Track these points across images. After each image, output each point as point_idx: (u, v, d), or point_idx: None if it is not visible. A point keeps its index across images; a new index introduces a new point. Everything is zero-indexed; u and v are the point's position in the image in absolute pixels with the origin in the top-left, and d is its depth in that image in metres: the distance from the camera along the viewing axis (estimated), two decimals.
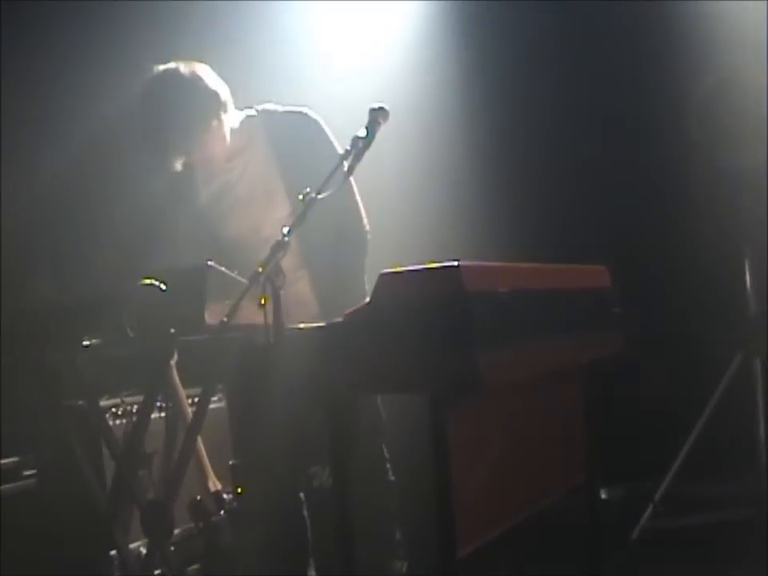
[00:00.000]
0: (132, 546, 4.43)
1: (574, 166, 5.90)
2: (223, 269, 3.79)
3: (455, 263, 2.98)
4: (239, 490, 4.14)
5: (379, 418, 4.26)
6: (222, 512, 4.27)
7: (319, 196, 3.44)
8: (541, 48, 5.93)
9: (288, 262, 3.93)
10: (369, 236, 4.26)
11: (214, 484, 4.39)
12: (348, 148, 3.59)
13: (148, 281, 3.71)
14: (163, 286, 3.69)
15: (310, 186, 3.46)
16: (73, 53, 5.39)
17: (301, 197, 3.44)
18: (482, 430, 3.31)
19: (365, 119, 3.65)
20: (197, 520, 4.23)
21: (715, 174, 5.26)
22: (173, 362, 4.15)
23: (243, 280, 3.49)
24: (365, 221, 4.25)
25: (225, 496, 4.33)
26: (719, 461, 5.40)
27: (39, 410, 4.42)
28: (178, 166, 4.10)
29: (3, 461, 4.58)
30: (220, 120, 4.10)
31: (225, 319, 3.32)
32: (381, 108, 3.66)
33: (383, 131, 3.66)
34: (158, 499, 4.12)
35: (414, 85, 5.84)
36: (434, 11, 6.08)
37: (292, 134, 4.16)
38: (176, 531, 4.22)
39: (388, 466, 4.34)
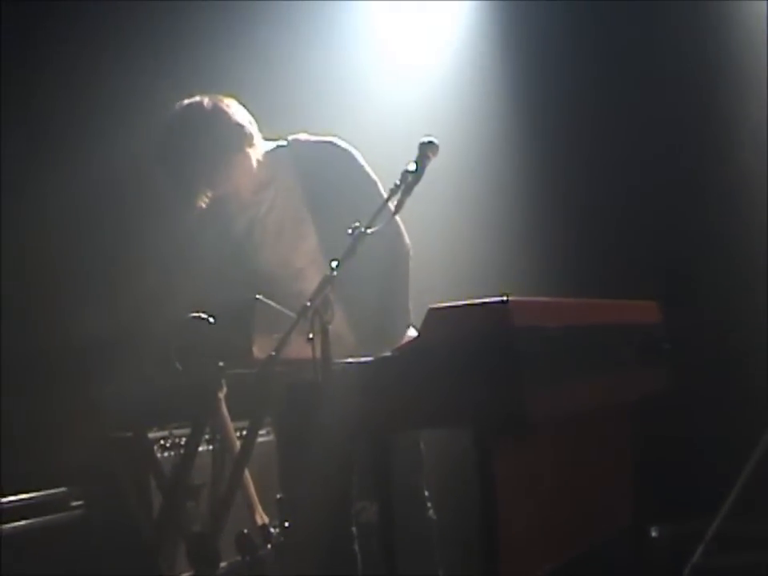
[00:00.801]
0: None
1: (625, 199, 5.87)
2: (272, 303, 3.79)
3: (504, 298, 2.98)
4: (286, 524, 4.13)
5: (419, 454, 4.22)
6: (268, 546, 4.27)
7: (368, 230, 3.43)
8: (586, 67, 5.93)
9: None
10: (410, 257, 4.22)
11: (261, 517, 4.38)
12: (397, 182, 3.59)
13: (196, 314, 3.72)
14: (212, 320, 3.71)
15: (347, 217, 3.47)
16: (102, 81, 5.43)
17: (350, 231, 3.43)
18: (528, 467, 3.29)
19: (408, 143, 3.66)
20: (243, 553, 4.22)
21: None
22: (221, 395, 4.16)
23: (291, 314, 3.48)
24: (407, 242, 4.21)
25: (271, 530, 4.32)
26: None
27: (88, 441, 4.43)
28: (203, 201, 4.10)
29: (52, 491, 4.60)
30: (245, 154, 4.09)
31: (273, 353, 3.32)
32: (431, 142, 3.66)
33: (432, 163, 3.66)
34: (204, 532, 4.12)
35: (459, 115, 5.85)
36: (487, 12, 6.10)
37: (320, 164, 4.14)
38: (222, 564, 4.21)
39: (429, 504, 4.29)
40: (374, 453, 3.35)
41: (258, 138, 4.15)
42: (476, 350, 2.95)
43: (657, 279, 5.46)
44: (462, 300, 3.08)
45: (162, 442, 4.68)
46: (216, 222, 4.21)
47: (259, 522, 4.39)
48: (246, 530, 4.22)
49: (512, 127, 5.95)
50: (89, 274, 5.44)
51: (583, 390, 3.30)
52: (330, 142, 4.19)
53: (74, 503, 4.64)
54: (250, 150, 4.11)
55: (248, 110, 4.17)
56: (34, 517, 4.46)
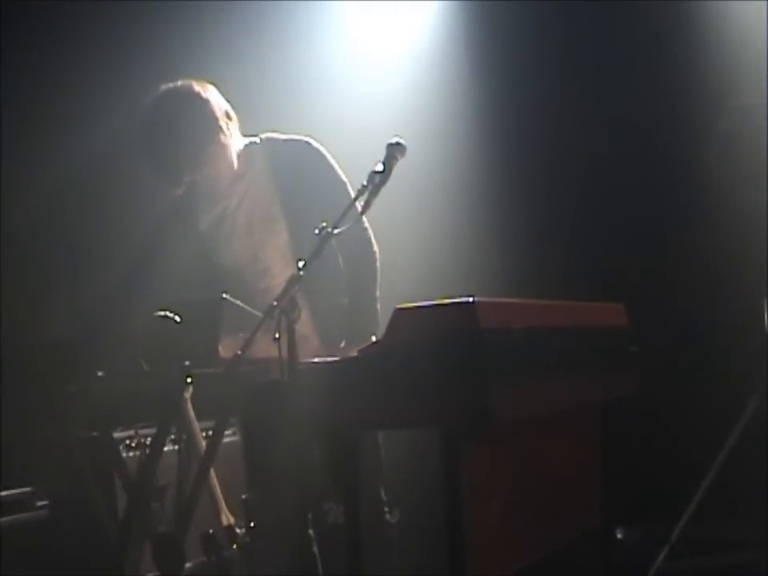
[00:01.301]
0: None
1: (593, 202, 5.89)
2: (238, 302, 3.78)
3: (470, 299, 2.98)
4: (252, 524, 4.12)
5: (379, 456, 4.20)
6: (234, 546, 4.25)
7: (335, 231, 3.43)
8: (554, 80, 5.95)
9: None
10: (378, 260, 4.22)
11: (227, 518, 4.37)
12: (364, 183, 3.59)
13: (162, 313, 3.71)
14: (178, 318, 3.69)
15: (316, 216, 3.47)
16: (79, 63, 5.41)
17: (317, 231, 3.43)
18: (495, 467, 3.29)
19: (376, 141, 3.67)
20: (209, 554, 4.20)
21: (736, 213, 5.25)
22: (187, 395, 4.14)
23: (258, 313, 3.47)
24: (374, 245, 4.22)
25: (237, 530, 4.31)
26: (736, 502, 5.37)
27: (52, 441, 4.41)
28: (182, 186, 4.09)
29: (17, 491, 4.57)
30: (227, 137, 4.08)
31: (239, 352, 3.31)
32: (398, 143, 3.66)
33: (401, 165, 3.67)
34: (169, 532, 4.09)
35: (427, 116, 5.86)
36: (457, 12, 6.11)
37: (293, 162, 4.14)
38: (187, 565, 4.19)
39: (386, 508, 4.28)
40: (340, 453, 3.34)
41: (236, 126, 4.16)
42: (442, 350, 2.96)
43: (625, 281, 5.48)
44: (428, 300, 3.08)
45: (127, 441, 4.66)
46: (187, 214, 4.20)
47: (225, 522, 4.37)
48: (211, 531, 4.20)
49: (480, 128, 5.97)
50: (52, 271, 5.41)
51: (550, 391, 3.31)
52: (303, 141, 4.20)
53: (39, 503, 4.62)
54: (231, 135, 4.11)
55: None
56: (0, 516, 4.44)
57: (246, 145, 4.22)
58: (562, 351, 3.41)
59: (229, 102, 4.17)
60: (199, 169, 4.04)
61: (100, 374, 3.89)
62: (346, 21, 6.02)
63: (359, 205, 3.59)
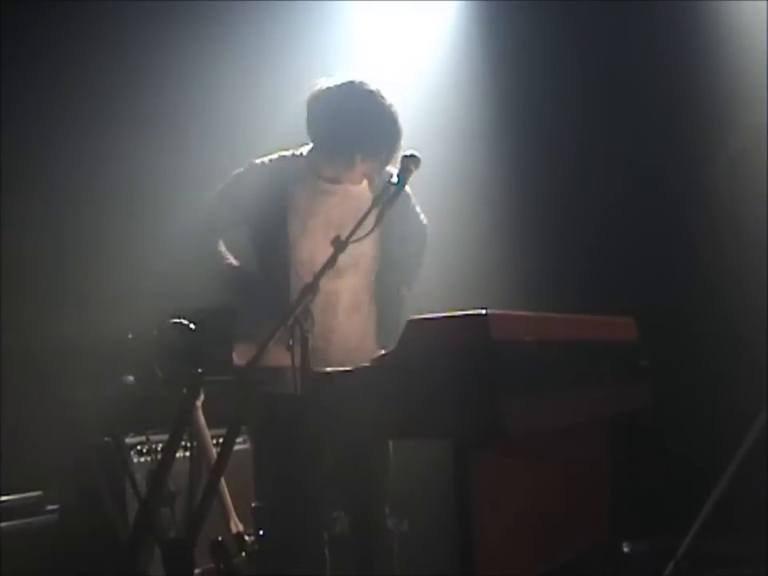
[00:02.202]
0: None
1: (606, 216, 5.90)
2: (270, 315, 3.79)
3: (483, 311, 3.00)
4: (261, 532, 4.13)
5: (388, 466, 4.19)
6: (242, 554, 4.27)
7: (349, 240, 3.46)
8: (566, 97, 5.97)
9: (344, 300, 3.98)
10: (427, 230, 4.39)
11: (236, 525, 4.38)
12: (379, 194, 3.62)
13: (177, 320, 3.73)
14: (192, 325, 3.71)
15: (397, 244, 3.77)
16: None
17: (330, 242, 3.45)
18: (505, 479, 3.31)
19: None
20: (217, 561, 4.22)
21: (744, 229, 5.26)
22: (199, 402, 4.16)
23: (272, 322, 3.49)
24: (423, 218, 4.39)
25: (246, 538, 4.33)
26: (743, 517, 5.37)
27: (63, 445, 4.43)
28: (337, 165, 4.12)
29: (27, 494, 4.59)
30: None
31: (252, 361, 3.33)
32: (413, 155, 3.69)
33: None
34: (179, 538, 4.11)
35: (443, 121, 5.88)
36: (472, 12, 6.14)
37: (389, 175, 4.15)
38: (197, 571, 4.20)
39: (392, 517, 4.28)
40: (353, 463, 3.36)
41: None
42: (454, 362, 2.98)
43: (634, 295, 5.48)
44: (441, 312, 3.10)
45: (138, 447, 4.68)
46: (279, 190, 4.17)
47: (234, 529, 4.39)
48: (220, 538, 4.22)
49: (497, 136, 5.98)
50: (66, 273, 5.43)
51: (560, 405, 3.32)
52: None
53: (49, 507, 4.64)
54: None
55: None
56: (9, 520, 4.45)
57: None
58: (574, 364, 3.42)
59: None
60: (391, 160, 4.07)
61: (112, 379, 3.92)
62: (358, 21, 6.03)
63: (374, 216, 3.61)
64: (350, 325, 4.09)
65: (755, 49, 5.61)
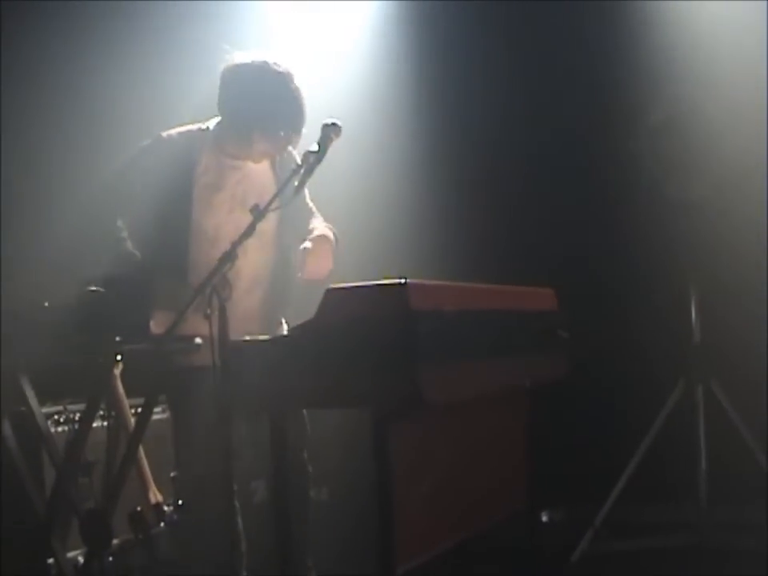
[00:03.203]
0: (70, 554, 4.40)
1: (525, 187, 5.93)
2: (171, 279, 3.77)
3: (402, 281, 3.00)
4: (179, 502, 4.12)
5: (305, 432, 4.20)
6: (161, 524, 4.25)
7: (268, 209, 3.45)
8: (497, 63, 5.98)
9: (245, 275, 3.98)
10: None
11: (155, 495, 4.37)
12: (299, 162, 3.61)
13: (93, 287, 3.69)
14: (109, 293, 3.68)
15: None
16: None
17: (249, 210, 3.44)
18: (424, 448, 3.32)
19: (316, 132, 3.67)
20: (136, 531, 4.20)
21: (666, 203, 5.31)
22: (116, 371, 4.13)
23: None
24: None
25: (165, 508, 4.31)
26: (660, 486, 5.44)
27: None
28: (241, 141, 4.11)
29: None
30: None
31: (170, 329, 3.31)
32: (333, 124, 3.67)
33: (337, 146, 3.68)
34: (97, 509, 4.09)
35: (366, 96, 5.87)
36: (389, 12, 6.13)
37: (293, 158, 4.16)
38: (115, 541, 4.18)
39: (312, 485, 4.29)
40: (271, 432, 3.35)
41: None
42: (373, 331, 2.98)
43: (556, 267, 5.51)
44: (360, 281, 3.10)
45: (55, 416, 4.63)
46: (184, 165, 4.15)
47: (153, 500, 4.37)
48: (139, 508, 4.20)
49: (420, 112, 5.98)
50: None
51: (479, 374, 3.33)
52: None
53: None
54: None
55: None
56: None
57: None
58: (492, 334, 3.44)
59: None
60: (266, 139, 4.07)
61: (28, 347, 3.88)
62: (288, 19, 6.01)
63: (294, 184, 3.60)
64: (249, 300, 4.08)
65: (678, 19, 5.65)
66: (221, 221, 4.05)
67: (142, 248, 4.05)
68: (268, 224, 3.91)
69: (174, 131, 4.20)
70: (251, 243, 3.61)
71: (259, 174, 4.17)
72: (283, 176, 3.96)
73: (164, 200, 4.06)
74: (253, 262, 4.04)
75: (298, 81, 4.07)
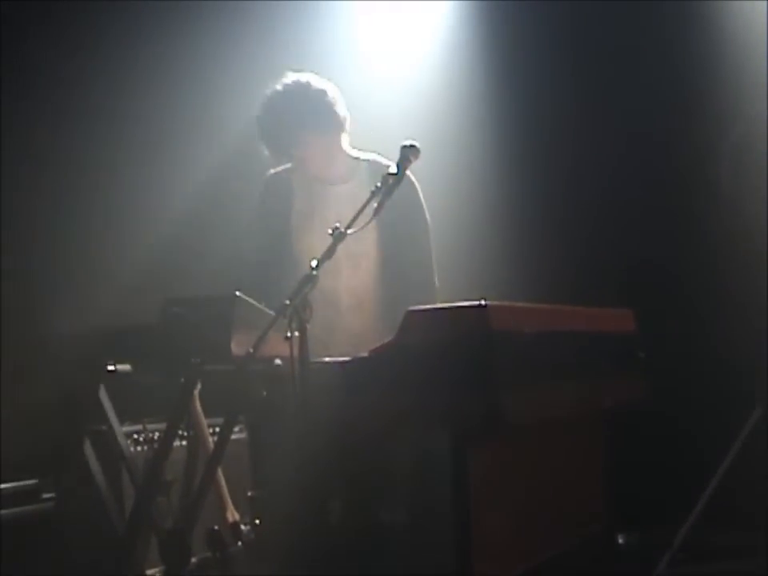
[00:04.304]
0: (149, 573, 4.43)
1: (606, 209, 5.91)
2: (251, 300, 3.79)
3: (482, 302, 3.01)
4: (257, 521, 4.13)
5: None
6: (238, 543, 4.27)
7: (348, 231, 3.46)
8: (565, 92, 5.98)
9: (343, 298, 4.02)
10: (437, 292, 4.32)
11: (232, 515, 4.39)
12: (378, 185, 3.62)
13: (176, 308, 3.72)
14: (191, 314, 3.71)
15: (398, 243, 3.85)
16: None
17: (330, 231, 3.46)
18: (502, 469, 3.32)
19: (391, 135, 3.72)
20: (214, 550, 4.22)
21: (745, 223, 5.26)
22: (196, 391, 4.16)
23: (271, 312, 3.49)
24: (435, 276, 4.39)
25: (242, 527, 4.33)
26: (738, 511, 5.38)
27: (61, 432, 4.43)
28: (284, 160, 4.31)
29: (24, 482, 4.59)
30: (339, 134, 4.30)
31: (251, 350, 3.33)
32: (412, 146, 3.68)
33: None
34: (176, 527, 4.11)
35: (440, 118, 5.90)
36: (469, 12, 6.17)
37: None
38: (193, 560, 4.21)
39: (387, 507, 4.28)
40: (350, 453, 3.36)
41: (347, 128, 4.36)
42: (453, 352, 2.99)
43: (635, 288, 5.48)
44: (441, 303, 3.11)
45: (135, 436, 4.68)
46: (283, 194, 4.39)
47: (230, 519, 4.39)
48: (216, 527, 4.23)
49: (494, 131, 5.98)
50: (67, 262, 5.44)
51: (558, 395, 3.33)
52: (408, 176, 4.22)
53: (46, 495, 4.64)
54: (340, 132, 4.33)
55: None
56: (5, 508, 4.45)
57: (355, 157, 4.40)
58: (571, 356, 3.44)
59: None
60: (306, 150, 4.22)
61: (111, 367, 3.91)
62: (358, 20, 6.04)
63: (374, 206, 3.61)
64: (352, 321, 4.14)
65: (755, 39, 5.61)
66: (314, 245, 4.09)
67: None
68: (363, 246, 4.05)
69: (281, 168, 4.42)
70: (345, 265, 3.64)
71: (351, 196, 4.19)
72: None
73: (268, 230, 4.33)
74: (349, 285, 4.09)
75: (318, 84, 4.29)
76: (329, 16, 5.98)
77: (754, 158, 5.18)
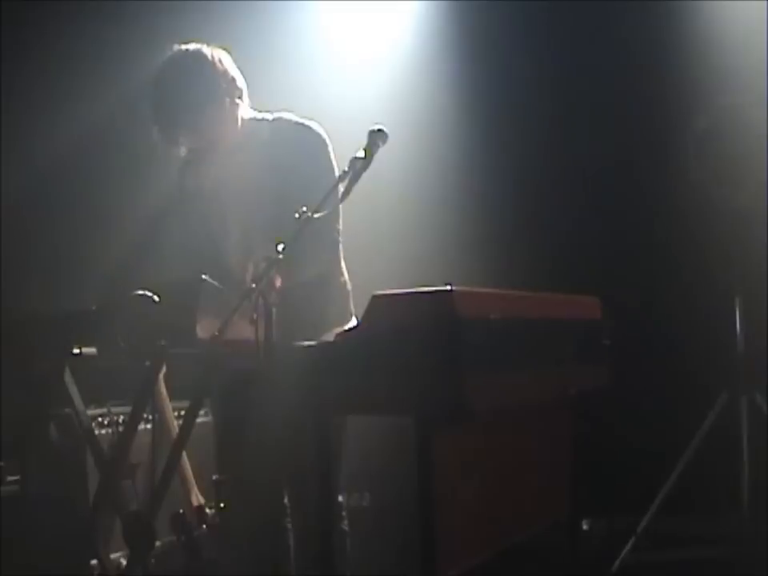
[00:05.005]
0: (113, 556, 4.43)
1: (572, 196, 5.92)
2: (216, 284, 3.78)
3: (448, 288, 2.99)
4: (222, 505, 4.13)
5: (341, 441, 4.16)
6: (203, 526, 4.27)
7: (316, 215, 3.44)
8: (533, 82, 6.00)
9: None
10: (339, 236, 4.15)
11: (197, 498, 4.39)
12: (346, 169, 3.60)
13: (141, 292, 3.71)
14: (156, 298, 3.69)
15: (303, 202, 3.46)
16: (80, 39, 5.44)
17: (297, 215, 3.43)
18: (467, 456, 3.31)
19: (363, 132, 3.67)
20: (178, 533, 4.22)
21: (712, 211, 5.28)
22: (161, 375, 4.16)
23: (235, 296, 3.48)
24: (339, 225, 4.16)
25: (207, 511, 4.33)
26: (702, 497, 5.41)
27: (26, 415, 4.41)
28: (184, 148, 4.07)
29: None
30: (234, 102, 4.07)
31: (216, 334, 3.32)
32: (380, 130, 3.66)
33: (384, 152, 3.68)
34: (140, 511, 4.11)
35: (412, 104, 5.90)
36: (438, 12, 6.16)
37: (294, 145, 4.12)
38: (157, 544, 4.21)
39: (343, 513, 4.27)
40: (315, 438, 3.35)
41: (246, 95, 4.13)
42: (418, 338, 2.97)
43: (600, 275, 5.50)
44: (406, 288, 3.10)
45: (100, 419, 4.66)
46: (190, 179, 4.16)
47: (195, 502, 4.39)
48: (181, 511, 4.22)
49: (461, 119, 5.99)
50: (35, 246, 5.42)
51: (523, 382, 3.33)
52: (307, 126, 4.14)
53: (10, 478, 4.62)
54: (238, 102, 4.09)
55: None
56: None
57: (255, 119, 4.18)
58: (538, 343, 3.44)
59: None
60: (196, 129, 4.01)
61: (76, 350, 3.90)
62: (328, 20, 6.04)
63: (340, 191, 3.59)
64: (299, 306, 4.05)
65: (723, 31, 5.64)
66: (226, 221, 4.07)
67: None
68: (262, 217, 3.94)
69: (182, 148, 4.19)
70: (259, 245, 3.60)
71: (251, 162, 4.10)
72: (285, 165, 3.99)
73: (187, 214, 4.17)
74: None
75: (210, 54, 4.04)
76: (295, 11, 5.95)
77: (720, 147, 5.19)
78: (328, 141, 4.15)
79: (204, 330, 3.71)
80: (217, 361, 3.54)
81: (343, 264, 4.20)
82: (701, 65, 5.66)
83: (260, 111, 4.19)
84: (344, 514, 4.17)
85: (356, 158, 3.60)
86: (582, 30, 5.98)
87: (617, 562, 5.08)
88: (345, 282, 4.19)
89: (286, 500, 4.07)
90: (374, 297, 3.11)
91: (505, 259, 5.70)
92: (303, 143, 4.10)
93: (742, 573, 4.94)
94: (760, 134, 5.10)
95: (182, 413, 4.22)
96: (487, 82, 6.07)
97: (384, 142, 3.66)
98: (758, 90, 5.28)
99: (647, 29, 5.81)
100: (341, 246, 4.14)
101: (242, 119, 4.11)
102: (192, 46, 4.07)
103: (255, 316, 3.24)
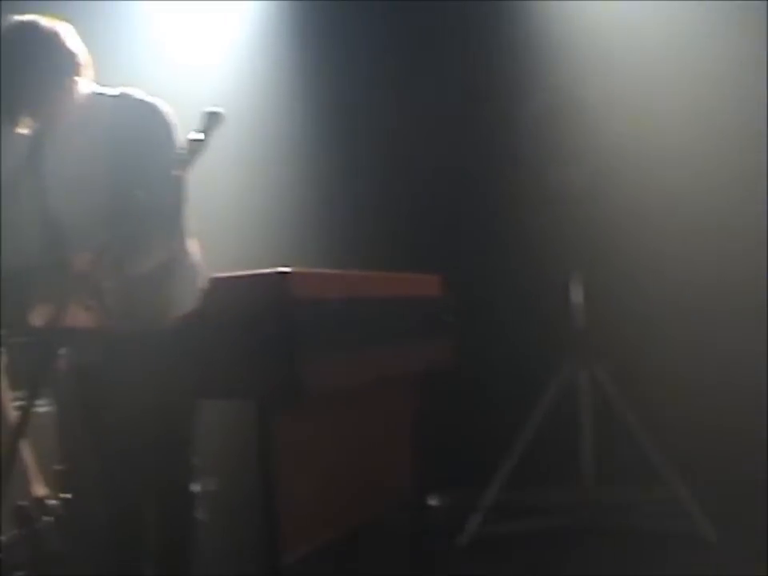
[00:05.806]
0: None
1: (408, 176, 5.97)
2: (54, 270, 3.71)
3: (283, 270, 3.00)
4: (65, 495, 4.07)
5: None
6: (46, 518, 4.20)
7: (157, 199, 3.40)
8: (375, 59, 6.02)
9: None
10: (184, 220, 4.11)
11: (40, 489, 4.31)
12: (183, 151, 3.56)
13: None
14: None
15: (144, 185, 3.40)
16: None
17: (137, 199, 3.38)
18: (308, 438, 3.33)
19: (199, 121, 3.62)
20: (21, 526, 4.14)
21: (543, 188, 5.36)
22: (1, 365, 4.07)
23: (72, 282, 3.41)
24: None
25: (50, 502, 4.26)
26: (545, 469, 5.51)
27: None
28: (24, 127, 3.93)
29: None
30: (74, 81, 3.93)
31: (50, 321, 3.26)
32: (216, 112, 3.62)
33: (219, 135, 3.64)
34: None
35: (249, 89, 5.87)
36: (274, 11, 6.14)
37: (137, 125, 4.01)
38: (1, 538, 4.12)
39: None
40: (157, 423, 3.32)
41: (89, 71, 3.98)
42: (254, 321, 2.97)
43: (441, 255, 5.55)
44: (245, 270, 3.09)
45: None
46: (31, 158, 4.02)
47: (37, 493, 4.32)
48: (22, 503, 4.15)
49: (305, 101, 5.99)
50: None
51: (363, 362, 3.35)
52: (150, 103, 4.01)
53: None
54: (79, 80, 3.94)
55: None
56: None
57: (99, 94, 4.03)
58: (376, 322, 3.46)
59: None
60: (40, 108, 3.88)
61: None
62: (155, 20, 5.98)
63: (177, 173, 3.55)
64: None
65: (561, 18, 5.75)
66: (67, 204, 3.97)
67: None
68: (98, 198, 3.77)
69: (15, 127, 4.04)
70: (96, 227, 3.54)
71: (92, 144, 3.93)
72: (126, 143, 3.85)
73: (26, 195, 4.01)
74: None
75: (48, 26, 3.82)
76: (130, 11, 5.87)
77: (555, 129, 5.28)
78: (172, 120, 4.05)
79: (39, 317, 3.64)
80: (51, 349, 3.48)
81: (192, 245, 4.12)
82: (537, 45, 5.75)
83: (103, 86, 4.07)
84: (197, 503, 4.16)
85: (192, 139, 3.56)
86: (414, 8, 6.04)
87: (464, 536, 5.14)
88: (191, 264, 4.10)
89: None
90: (211, 279, 3.09)
91: (344, 240, 5.72)
92: (147, 123, 3.99)
93: (585, 542, 5.06)
94: (590, 115, 5.20)
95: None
96: (323, 75, 6.09)
97: (220, 123, 3.63)
98: (588, 67, 5.41)
99: (482, 8, 5.89)
100: (186, 229, 4.07)
101: (84, 94, 3.98)
102: (28, 20, 3.90)
103: (90, 303, 3.20)
